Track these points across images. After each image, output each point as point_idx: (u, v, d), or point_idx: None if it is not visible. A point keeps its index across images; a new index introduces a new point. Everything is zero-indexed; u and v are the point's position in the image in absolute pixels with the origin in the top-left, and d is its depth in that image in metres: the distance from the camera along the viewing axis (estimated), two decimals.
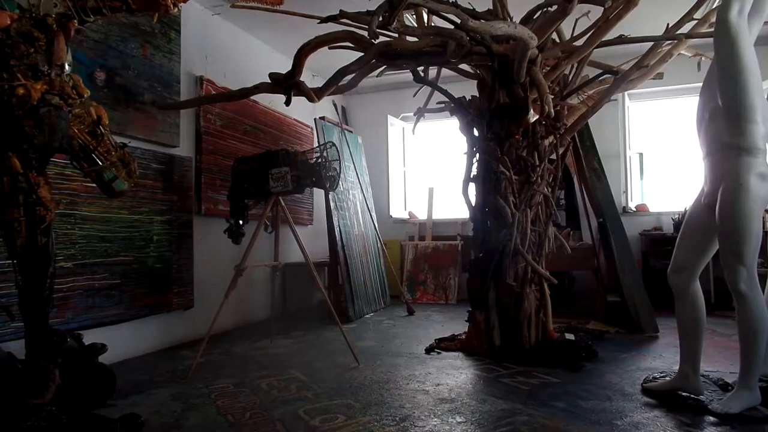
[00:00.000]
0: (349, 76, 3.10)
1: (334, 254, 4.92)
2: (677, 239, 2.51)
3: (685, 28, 3.54)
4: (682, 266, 2.45)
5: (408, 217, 6.77)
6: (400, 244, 5.73)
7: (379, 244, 5.74)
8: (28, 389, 2.04)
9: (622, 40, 3.55)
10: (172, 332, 3.79)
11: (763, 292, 2.28)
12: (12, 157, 1.97)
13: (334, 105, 6.43)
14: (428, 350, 3.53)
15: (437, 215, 6.35)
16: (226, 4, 4.18)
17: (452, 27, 2.80)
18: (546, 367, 3.03)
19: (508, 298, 3.38)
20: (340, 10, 2.78)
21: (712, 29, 2.41)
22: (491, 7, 3.45)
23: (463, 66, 3.83)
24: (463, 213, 5.24)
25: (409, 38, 3.11)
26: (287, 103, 2.84)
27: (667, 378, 2.61)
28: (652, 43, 3.65)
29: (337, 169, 3.44)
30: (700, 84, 2.47)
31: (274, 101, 4.92)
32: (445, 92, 3.74)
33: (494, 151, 3.43)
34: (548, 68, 3.58)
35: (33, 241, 2.03)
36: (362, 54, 3.00)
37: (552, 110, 3.30)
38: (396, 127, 6.85)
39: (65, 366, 2.21)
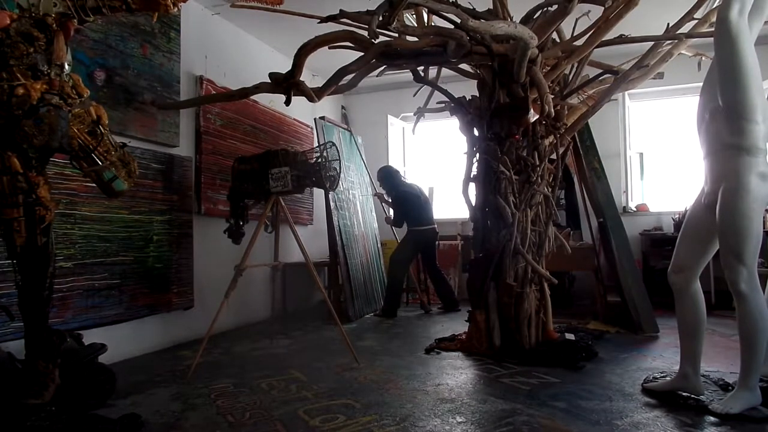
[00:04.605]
0: (349, 76, 3.10)
1: (334, 254, 4.92)
2: (677, 239, 2.51)
3: (686, 28, 3.54)
4: (683, 266, 2.44)
5: None
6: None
7: (378, 245, 5.74)
8: (28, 389, 2.03)
9: (622, 39, 3.54)
10: (172, 332, 3.79)
11: (764, 292, 2.27)
12: (12, 157, 1.96)
13: (343, 109, 6.44)
14: (428, 350, 3.53)
15: (437, 215, 6.33)
16: (226, 4, 4.18)
17: (452, 27, 2.80)
18: (546, 367, 3.02)
19: (508, 298, 3.38)
20: (340, 10, 2.77)
21: (713, 29, 2.41)
22: (491, 7, 3.45)
23: (463, 66, 3.82)
24: (463, 213, 5.24)
25: (409, 38, 3.11)
26: (287, 103, 2.84)
27: (668, 378, 2.61)
28: (653, 42, 3.64)
29: (337, 169, 3.44)
30: (701, 84, 2.47)
31: (274, 101, 4.92)
32: (445, 92, 3.74)
33: (494, 151, 3.43)
34: (548, 68, 3.58)
35: (33, 241, 2.03)
36: (362, 54, 2.99)
37: (552, 110, 3.30)
38: (396, 127, 6.84)
39: (65, 366, 2.21)
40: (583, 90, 3.82)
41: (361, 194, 5.69)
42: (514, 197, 3.42)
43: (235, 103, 4.42)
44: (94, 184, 2.40)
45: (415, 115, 4.50)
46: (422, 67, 3.73)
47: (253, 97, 4.28)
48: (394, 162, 6.79)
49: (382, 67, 3.42)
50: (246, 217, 3.57)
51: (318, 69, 5.59)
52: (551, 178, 3.63)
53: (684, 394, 2.42)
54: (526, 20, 3.38)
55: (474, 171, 3.61)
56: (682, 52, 3.84)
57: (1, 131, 1.94)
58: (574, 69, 3.72)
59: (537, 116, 3.48)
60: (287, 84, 2.80)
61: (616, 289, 4.40)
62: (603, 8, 3.10)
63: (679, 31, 3.51)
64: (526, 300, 3.38)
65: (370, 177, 5.93)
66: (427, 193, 5.64)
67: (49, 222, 2.09)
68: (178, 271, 3.82)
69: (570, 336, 3.54)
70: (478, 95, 3.71)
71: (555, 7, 3.16)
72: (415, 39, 3.03)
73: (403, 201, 5.22)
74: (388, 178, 5.32)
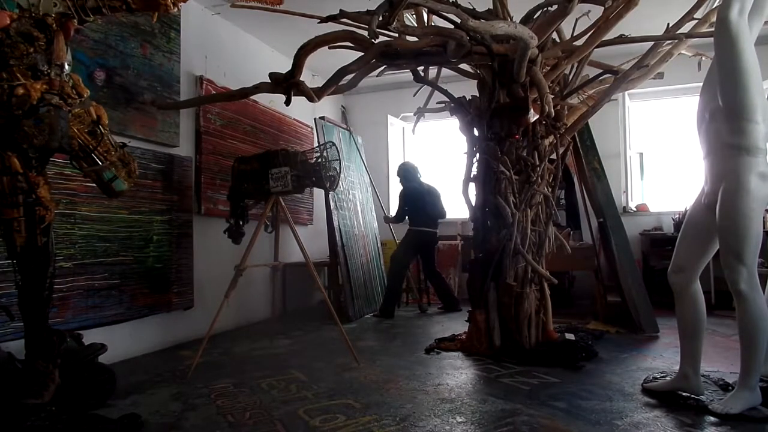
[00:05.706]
0: (349, 76, 3.10)
1: (334, 254, 4.92)
2: (677, 239, 2.51)
3: (686, 28, 3.54)
4: (683, 266, 2.44)
5: None
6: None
7: (378, 245, 5.74)
8: (28, 389, 2.03)
9: (622, 39, 3.54)
10: (172, 332, 3.79)
11: (764, 292, 2.27)
12: (12, 157, 1.97)
13: (343, 109, 6.43)
14: (428, 350, 3.53)
15: None
16: (226, 4, 4.18)
17: (452, 27, 2.80)
18: (546, 367, 3.02)
19: (508, 298, 3.38)
20: (340, 10, 2.77)
21: (713, 29, 2.41)
22: (491, 7, 3.45)
23: (463, 66, 3.82)
24: (463, 213, 5.24)
25: (409, 38, 3.11)
26: (287, 103, 2.84)
27: (668, 378, 2.61)
28: (653, 42, 3.64)
29: (337, 169, 3.44)
30: (701, 84, 2.47)
31: (274, 101, 4.92)
32: (445, 92, 3.74)
33: (494, 151, 3.43)
34: (548, 68, 3.58)
35: (33, 241, 2.03)
36: (362, 54, 2.99)
37: (552, 110, 3.30)
38: (396, 127, 6.84)
39: (65, 366, 2.21)
40: (583, 90, 3.82)
41: (360, 193, 5.69)
42: (514, 197, 3.42)
43: (235, 103, 4.42)
44: (94, 184, 2.40)
45: (415, 115, 4.50)
46: (422, 67, 3.73)
47: (253, 97, 4.27)
48: (394, 162, 6.80)
49: (382, 67, 3.42)
50: (246, 217, 3.57)
51: (318, 69, 5.58)
52: (551, 178, 3.63)
53: (684, 394, 2.42)
54: (526, 20, 3.38)
55: (474, 171, 3.61)
56: (682, 52, 3.84)
57: (1, 131, 1.94)
58: (574, 69, 3.72)
59: (537, 116, 3.48)
60: (287, 84, 2.80)
61: (616, 289, 4.40)
62: (603, 8, 3.10)
63: (679, 31, 3.51)
64: (526, 300, 3.38)
65: (370, 177, 5.93)
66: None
67: (49, 222, 2.09)
68: (178, 271, 3.82)
69: (570, 336, 3.54)
70: (478, 95, 3.71)
71: (555, 7, 3.16)
72: (415, 39, 3.03)
73: (406, 197, 5.22)
74: (404, 173, 5.34)
